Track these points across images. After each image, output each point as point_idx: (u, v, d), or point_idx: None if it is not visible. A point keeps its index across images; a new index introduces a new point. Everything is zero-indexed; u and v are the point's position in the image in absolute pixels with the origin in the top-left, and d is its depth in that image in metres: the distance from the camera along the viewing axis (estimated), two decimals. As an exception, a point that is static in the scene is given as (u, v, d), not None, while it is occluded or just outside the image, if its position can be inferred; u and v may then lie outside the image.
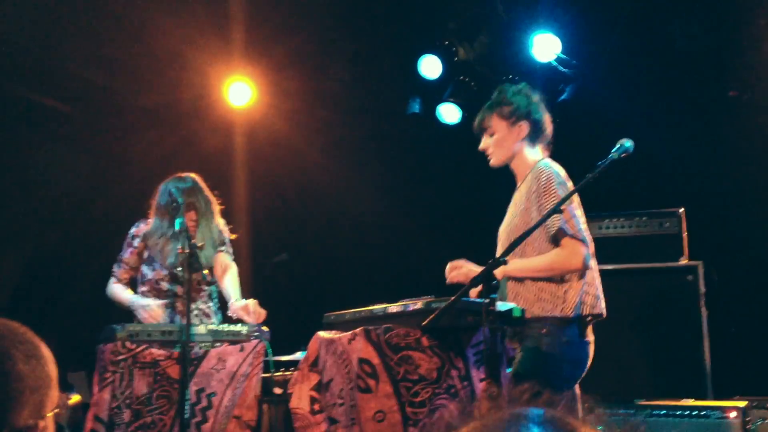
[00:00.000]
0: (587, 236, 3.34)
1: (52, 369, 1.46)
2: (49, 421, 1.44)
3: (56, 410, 1.48)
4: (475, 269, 3.34)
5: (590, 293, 3.35)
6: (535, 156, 3.57)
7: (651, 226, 5.09)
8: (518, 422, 0.90)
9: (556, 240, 3.31)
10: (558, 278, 3.32)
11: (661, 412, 4.10)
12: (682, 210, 5.09)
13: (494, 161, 3.59)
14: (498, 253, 3.52)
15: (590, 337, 3.38)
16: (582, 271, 3.32)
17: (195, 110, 6.61)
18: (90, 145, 6.44)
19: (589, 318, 3.36)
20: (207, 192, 4.46)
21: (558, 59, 5.82)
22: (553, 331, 3.26)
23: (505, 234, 3.50)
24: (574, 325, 3.30)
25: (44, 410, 1.43)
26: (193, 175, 4.49)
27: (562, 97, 5.91)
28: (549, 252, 3.33)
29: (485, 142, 3.59)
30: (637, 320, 4.94)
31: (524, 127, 3.52)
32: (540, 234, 3.31)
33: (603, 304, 3.39)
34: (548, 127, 3.62)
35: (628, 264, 5.03)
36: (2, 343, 1.38)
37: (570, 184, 3.41)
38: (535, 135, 3.56)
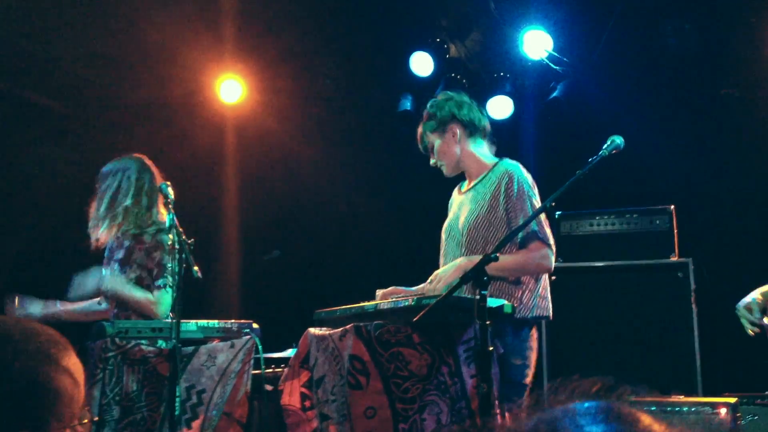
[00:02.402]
0: (552, 241, 3.44)
1: (82, 382, 1.44)
2: None
3: (84, 422, 1.45)
4: (443, 274, 3.33)
5: (543, 296, 3.46)
6: (486, 153, 3.65)
7: (642, 223, 5.11)
8: (573, 417, 0.85)
9: (526, 242, 3.36)
10: (515, 280, 3.39)
11: (652, 408, 4.11)
12: (672, 207, 5.11)
13: (447, 171, 3.73)
14: (443, 250, 3.65)
15: (536, 335, 3.47)
16: (542, 275, 3.45)
17: (186, 107, 6.59)
18: (80, 142, 6.41)
19: (539, 319, 3.46)
20: (118, 179, 4.12)
21: (549, 56, 5.82)
22: (511, 331, 3.31)
23: (465, 230, 3.49)
24: (528, 326, 3.40)
25: (74, 422, 1.40)
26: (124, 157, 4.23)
27: (554, 94, 5.92)
28: (519, 252, 3.38)
29: (432, 158, 3.72)
30: (628, 317, 4.95)
31: (455, 128, 3.63)
32: (503, 232, 3.39)
33: (550, 306, 3.48)
34: (482, 121, 3.71)
35: (618, 261, 5.05)
36: (50, 353, 1.35)
37: (536, 189, 3.48)
38: (471, 132, 3.65)
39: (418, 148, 3.80)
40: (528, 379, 3.37)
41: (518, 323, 3.35)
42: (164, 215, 4.07)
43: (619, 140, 3.20)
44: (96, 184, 4.22)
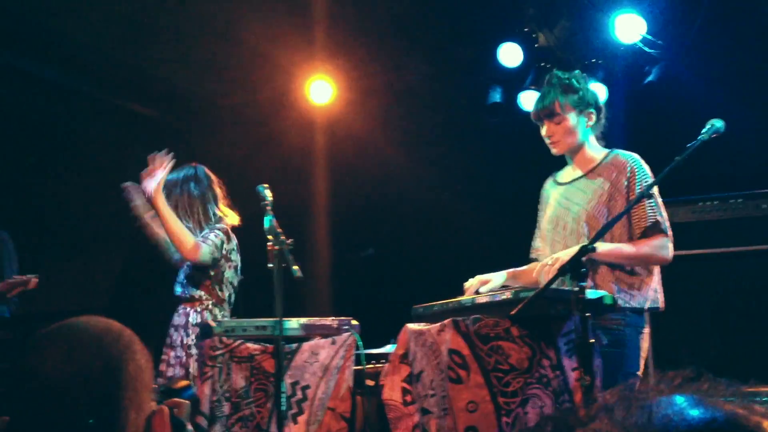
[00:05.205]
0: (671, 232, 3.36)
1: (149, 368, 1.59)
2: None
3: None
4: (564, 257, 3.26)
5: (657, 288, 3.38)
6: (596, 145, 3.56)
7: (747, 208, 4.92)
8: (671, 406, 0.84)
9: (648, 232, 3.29)
10: (631, 269, 3.33)
11: (764, 399, 3.97)
12: (779, 190, 4.91)
13: (560, 149, 3.55)
14: (550, 241, 3.57)
15: (649, 326, 3.42)
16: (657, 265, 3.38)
17: (277, 108, 6.71)
18: (174, 148, 6.62)
19: (652, 310, 3.39)
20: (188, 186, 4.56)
21: (643, 40, 5.67)
22: (630, 322, 3.27)
23: (584, 219, 3.43)
24: (643, 316, 3.35)
25: (143, 406, 1.53)
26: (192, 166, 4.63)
27: (649, 78, 5.76)
28: (640, 241, 3.31)
29: (551, 129, 3.51)
30: (735, 305, 4.80)
31: (593, 115, 3.52)
32: (622, 223, 3.32)
33: (662, 298, 3.41)
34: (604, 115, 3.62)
35: (723, 248, 4.89)
36: (127, 340, 1.50)
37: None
38: (597, 124, 3.56)
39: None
40: (641, 370, 3.32)
41: (634, 313, 3.31)
42: (228, 218, 4.52)
43: (719, 124, 3.10)
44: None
